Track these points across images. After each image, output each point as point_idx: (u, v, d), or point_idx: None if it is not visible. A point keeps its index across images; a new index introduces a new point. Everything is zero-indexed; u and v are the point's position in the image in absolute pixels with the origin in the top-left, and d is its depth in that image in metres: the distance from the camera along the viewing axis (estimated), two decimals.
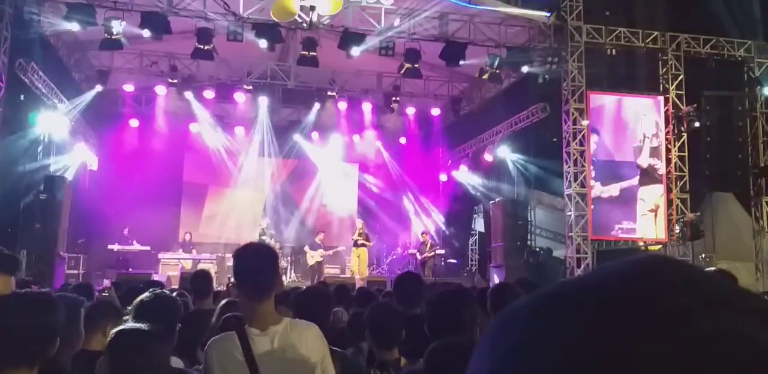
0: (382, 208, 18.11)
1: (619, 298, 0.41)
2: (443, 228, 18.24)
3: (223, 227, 17.38)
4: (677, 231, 13.85)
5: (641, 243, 14.19)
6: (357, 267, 14.27)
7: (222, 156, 17.68)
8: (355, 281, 12.41)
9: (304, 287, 5.97)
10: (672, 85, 14.47)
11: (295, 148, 17.98)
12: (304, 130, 17.77)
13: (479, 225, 17.84)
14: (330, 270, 15.48)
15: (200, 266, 13.79)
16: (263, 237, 14.62)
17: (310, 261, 14.78)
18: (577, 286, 0.44)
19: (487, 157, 16.46)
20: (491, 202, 15.78)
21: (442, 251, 16.01)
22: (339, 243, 15.74)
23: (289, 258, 15.99)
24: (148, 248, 15.17)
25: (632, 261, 0.45)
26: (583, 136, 13.82)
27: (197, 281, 4.47)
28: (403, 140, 18.56)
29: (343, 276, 14.70)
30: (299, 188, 18.11)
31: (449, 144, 18.34)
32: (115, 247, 14.86)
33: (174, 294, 3.93)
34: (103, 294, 7.88)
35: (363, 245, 14.33)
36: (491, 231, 15.48)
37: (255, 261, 2.29)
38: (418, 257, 14.98)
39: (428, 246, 15.06)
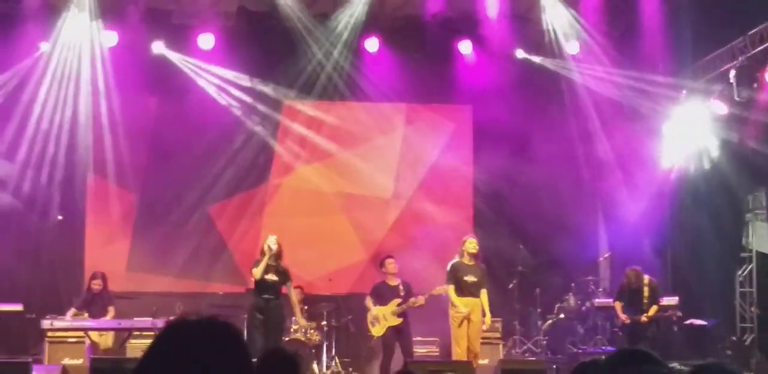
0: (513, 204, 15.66)
1: None
2: (669, 251, 15.36)
3: (178, 255, 15.01)
4: None
5: None
6: (465, 341, 12.38)
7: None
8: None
9: None
10: None
11: (303, 81, 15.44)
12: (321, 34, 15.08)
13: (761, 238, 14.99)
14: (418, 350, 13.37)
15: (133, 344, 12.76)
16: (267, 277, 12.01)
17: (377, 329, 12.77)
18: None
19: None
20: None
21: (674, 301, 13.65)
22: (432, 283, 13.06)
23: (325, 323, 13.52)
24: (19, 308, 13.67)
25: None
26: None
27: None
28: (572, 49, 14.86)
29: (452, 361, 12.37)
30: (320, 159, 15.80)
31: (682, 52, 14.72)
32: None
33: None
34: None
35: (473, 290, 12.49)
36: None
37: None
38: (622, 317, 12.89)
39: (647, 291, 12.91)
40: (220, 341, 2.09)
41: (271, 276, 11.65)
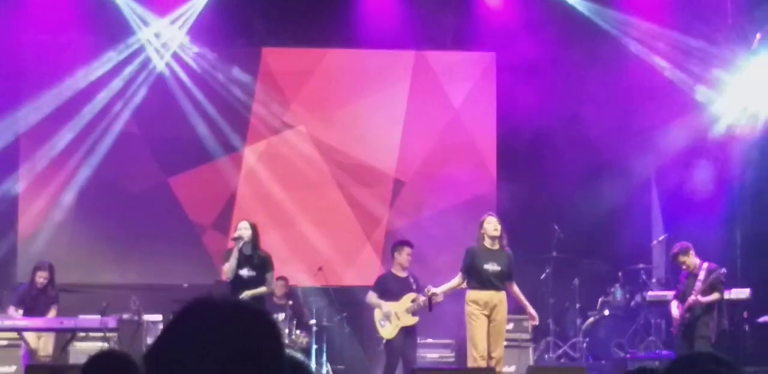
0: (545, 175, 15.04)
1: None
2: (738, 232, 14.31)
3: (132, 238, 14.40)
4: None
5: None
6: (485, 343, 11.81)
7: None
8: None
9: None
10: None
11: (286, 24, 15.10)
12: None
13: None
14: (429, 355, 13.44)
15: (78, 348, 12.57)
16: (242, 272, 11.65)
17: (388, 330, 12.32)
18: None
19: None
20: None
21: (744, 294, 12.85)
22: (446, 275, 12.43)
23: (314, 322, 13.14)
24: None
25: None
26: None
27: None
28: None
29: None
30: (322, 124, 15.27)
31: None
32: None
33: None
34: None
35: (496, 281, 11.95)
36: None
37: None
38: (675, 314, 12.22)
39: (702, 275, 12.12)
40: (254, 331, 1.88)
41: (248, 271, 10.91)
